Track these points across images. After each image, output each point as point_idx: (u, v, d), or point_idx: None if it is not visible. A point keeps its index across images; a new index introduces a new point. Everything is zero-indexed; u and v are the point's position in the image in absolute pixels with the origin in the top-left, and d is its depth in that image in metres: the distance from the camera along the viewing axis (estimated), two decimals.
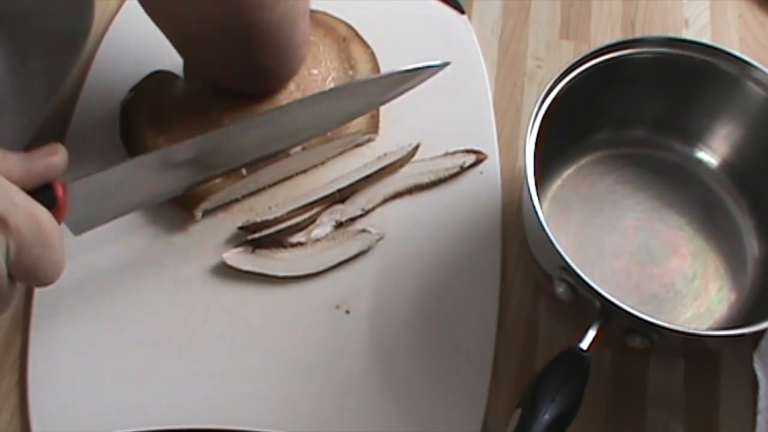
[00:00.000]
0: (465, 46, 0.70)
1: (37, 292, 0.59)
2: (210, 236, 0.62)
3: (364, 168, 0.64)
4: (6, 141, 0.57)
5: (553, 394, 0.49)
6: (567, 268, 0.51)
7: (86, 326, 0.58)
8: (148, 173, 0.55)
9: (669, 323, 0.50)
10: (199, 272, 0.60)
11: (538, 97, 0.57)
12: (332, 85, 0.64)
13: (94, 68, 0.68)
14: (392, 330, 0.59)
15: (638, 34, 0.71)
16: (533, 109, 0.56)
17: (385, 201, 0.63)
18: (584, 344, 0.52)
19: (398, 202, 0.64)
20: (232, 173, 0.60)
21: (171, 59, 0.61)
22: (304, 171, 0.64)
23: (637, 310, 0.50)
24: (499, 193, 0.64)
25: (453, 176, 0.64)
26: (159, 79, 0.66)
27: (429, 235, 0.62)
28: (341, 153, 0.65)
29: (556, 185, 0.63)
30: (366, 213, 0.63)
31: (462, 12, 0.72)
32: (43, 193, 0.48)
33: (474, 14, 0.73)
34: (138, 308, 0.59)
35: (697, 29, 0.73)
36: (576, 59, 0.58)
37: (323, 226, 0.62)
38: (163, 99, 0.64)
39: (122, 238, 0.61)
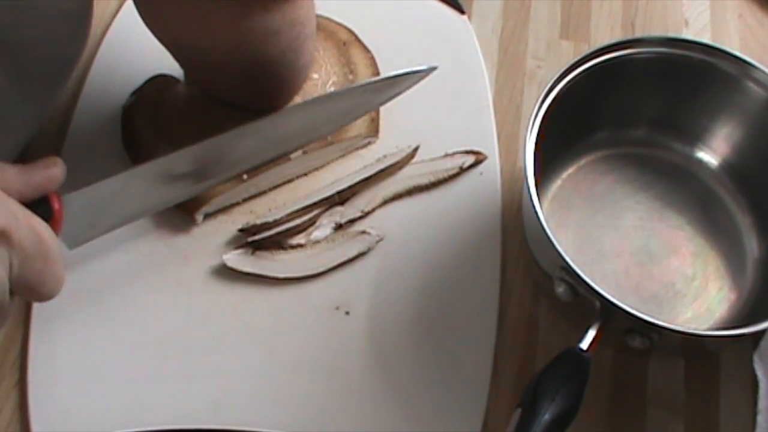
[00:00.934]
0: (465, 47, 0.70)
1: None
2: (210, 238, 0.62)
3: (364, 170, 0.64)
4: None
5: (553, 394, 0.49)
6: (567, 268, 0.51)
7: (86, 327, 0.58)
8: (146, 184, 0.55)
9: (669, 323, 0.50)
10: (200, 274, 0.60)
11: (538, 97, 0.57)
12: (332, 89, 0.64)
13: (93, 71, 0.68)
14: (392, 331, 0.59)
15: (638, 34, 0.71)
16: (533, 109, 0.56)
17: (385, 203, 0.63)
18: (584, 344, 0.52)
19: (398, 203, 0.64)
20: (233, 178, 0.60)
21: (171, 62, 0.61)
22: (305, 174, 0.64)
23: (637, 310, 0.50)
24: (498, 193, 0.64)
25: (452, 177, 0.64)
26: (159, 83, 0.66)
27: (429, 237, 0.62)
28: (341, 156, 0.65)
29: (556, 185, 0.63)
30: (365, 215, 0.63)
31: (462, 12, 0.72)
32: (40, 206, 0.47)
33: (474, 14, 0.73)
34: (138, 309, 0.59)
35: (697, 29, 0.73)
36: (576, 59, 0.58)
37: (323, 228, 0.62)
38: (164, 103, 0.64)
39: (123, 240, 0.61)
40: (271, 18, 0.53)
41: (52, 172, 0.49)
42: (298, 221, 0.61)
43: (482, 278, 0.60)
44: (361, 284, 0.60)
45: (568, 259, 0.51)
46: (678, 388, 0.58)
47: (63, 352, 0.58)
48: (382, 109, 0.65)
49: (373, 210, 0.63)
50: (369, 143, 0.65)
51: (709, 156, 0.64)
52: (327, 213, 0.62)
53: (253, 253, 0.61)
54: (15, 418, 0.56)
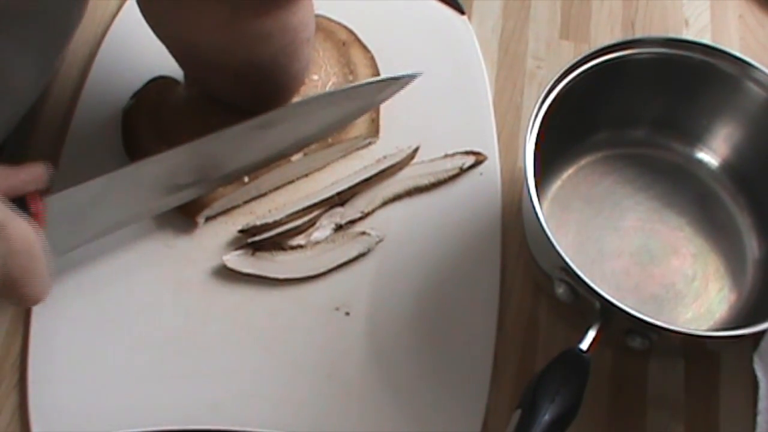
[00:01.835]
0: (465, 47, 0.70)
1: None
2: (211, 239, 0.62)
3: (364, 171, 0.63)
4: None
5: (553, 395, 0.49)
6: (567, 269, 0.51)
7: (86, 327, 0.58)
8: (134, 188, 0.55)
9: (669, 324, 0.50)
10: (200, 274, 0.60)
11: (538, 97, 0.57)
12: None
13: (93, 72, 0.68)
14: (392, 331, 0.59)
15: (638, 35, 0.71)
16: (533, 109, 0.56)
17: (385, 203, 0.63)
18: (584, 345, 0.52)
19: (398, 204, 0.63)
20: (234, 181, 0.60)
21: (171, 64, 0.60)
22: (305, 175, 0.64)
23: (637, 311, 0.50)
24: (498, 194, 0.64)
25: (452, 178, 0.64)
26: (159, 85, 0.65)
27: (429, 237, 0.62)
28: (342, 157, 0.65)
29: (556, 185, 0.63)
30: (365, 215, 0.63)
31: (462, 12, 0.72)
32: (21, 207, 0.47)
33: (474, 14, 0.73)
34: (138, 310, 0.59)
35: (698, 29, 0.73)
36: (576, 59, 0.58)
37: (323, 229, 0.62)
38: (163, 105, 0.64)
39: (124, 241, 0.61)
40: (262, 22, 0.53)
41: (36, 172, 0.48)
42: (298, 222, 0.61)
43: (482, 279, 0.60)
44: (361, 285, 0.60)
45: (568, 259, 0.51)
46: (678, 388, 0.58)
47: (63, 352, 0.58)
48: (382, 109, 0.65)
49: (373, 211, 0.63)
50: (369, 144, 0.65)
51: (709, 156, 0.64)
52: (327, 214, 0.62)
53: (253, 254, 0.61)
54: (15, 419, 0.56)
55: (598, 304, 0.51)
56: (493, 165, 0.65)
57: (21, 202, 0.48)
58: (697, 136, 0.64)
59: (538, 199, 0.54)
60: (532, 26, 0.72)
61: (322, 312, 0.59)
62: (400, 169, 0.64)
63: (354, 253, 0.61)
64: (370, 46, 0.68)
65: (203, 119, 0.62)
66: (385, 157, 0.64)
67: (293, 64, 0.59)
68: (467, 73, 0.69)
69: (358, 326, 0.59)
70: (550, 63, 0.70)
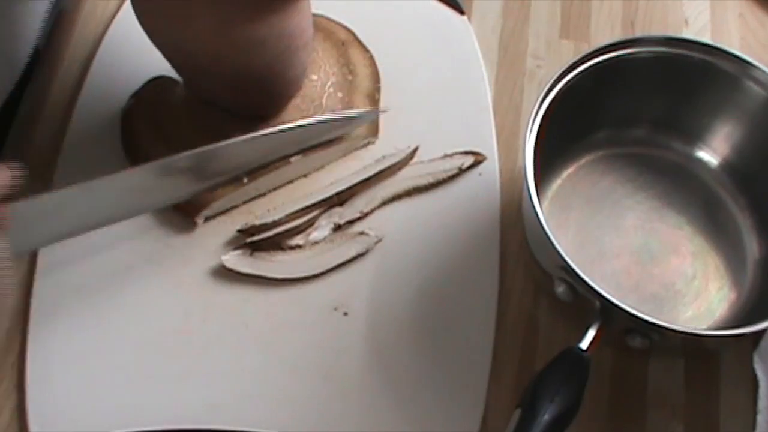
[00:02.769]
0: (464, 47, 0.70)
1: (36, 293, 0.59)
2: (210, 238, 0.62)
3: (363, 171, 0.63)
4: None
5: (553, 395, 0.49)
6: (567, 268, 0.51)
7: (84, 327, 0.58)
8: (105, 195, 0.55)
9: (669, 323, 0.50)
10: (199, 274, 0.60)
11: (538, 97, 0.57)
12: (331, 90, 0.64)
13: (92, 72, 0.67)
14: (390, 331, 0.59)
15: (638, 34, 0.71)
16: (533, 109, 0.56)
17: (384, 204, 0.63)
18: (584, 344, 0.52)
19: (397, 204, 0.63)
20: (233, 181, 0.60)
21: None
22: (304, 175, 0.64)
23: (637, 310, 0.50)
24: (497, 194, 0.63)
25: (451, 178, 0.64)
26: (158, 85, 0.65)
27: (427, 237, 0.62)
28: (341, 157, 0.65)
29: (556, 185, 0.63)
30: (364, 216, 0.62)
31: (462, 13, 0.72)
32: None
33: (474, 14, 0.73)
34: (136, 309, 0.59)
35: (697, 29, 0.73)
36: (576, 59, 0.58)
37: (321, 229, 0.62)
38: (162, 106, 0.64)
39: (122, 240, 0.61)
40: (256, 28, 0.52)
41: (5, 177, 0.46)
42: (296, 222, 0.61)
43: (481, 279, 0.60)
44: (360, 285, 0.60)
45: (568, 259, 0.51)
46: (678, 388, 0.58)
47: (61, 352, 0.58)
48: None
49: (372, 211, 0.63)
50: (368, 144, 0.65)
51: (710, 156, 0.64)
52: (326, 214, 0.62)
53: (251, 254, 0.61)
54: (13, 420, 0.56)
55: (598, 304, 0.51)
56: (492, 165, 0.65)
57: None
58: (697, 135, 0.64)
59: (538, 199, 0.53)
60: (532, 26, 0.72)
61: (320, 312, 0.59)
62: (399, 169, 0.64)
63: (352, 253, 0.61)
64: (369, 46, 0.68)
65: (202, 119, 0.62)
66: (384, 157, 0.64)
67: (289, 71, 0.58)
68: (467, 74, 0.69)
69: (356, 326, 0.59)
70: (550, 62, 0.70)
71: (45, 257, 0.60)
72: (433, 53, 0.69)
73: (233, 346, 0.58)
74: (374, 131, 0.65)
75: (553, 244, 0.52)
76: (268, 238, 0.61)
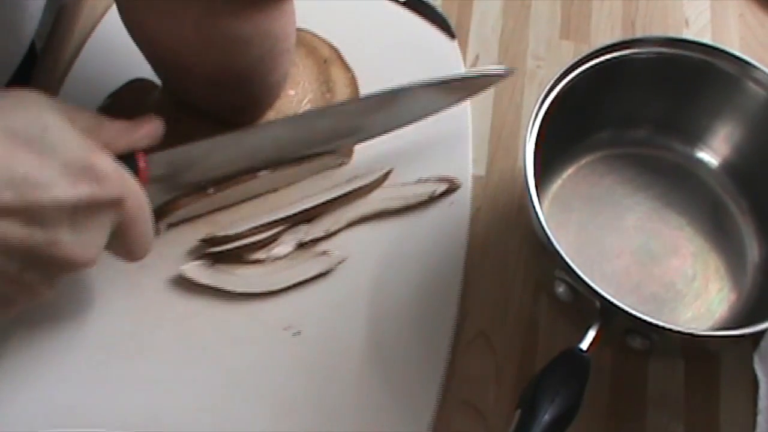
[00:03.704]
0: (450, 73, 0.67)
1: None
2: (172, 246, 0.60)
3: (333, 189, 0.62)
4: None
5: (553, 395, 0.49)
6: (567, 269, 0.51)
7: (27, 322, 0.57)
8: None
9: (669, 323, 0.50)
10: (156, 282, 0.59)
11: (538, 97, 0.57)
12: (308, 107, 0.63)
13: (73, 71, 0.67)
14: (340, 356, 0.57)
15: (638, 34, 0.71)
16: (533, 109, 0.56)
17: (351, 224, 0.61)
18: (584, 344, 0.52)
19: (364, 226, 0.62)
20: (198, 191, 0.59)
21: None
22: (274, 190, 0.63)
23: (637, 311, 0.50)
24: (466, 227, 0.62)
25: (422, 204, 0.62)
26: (137, 87, 0.64)
27: (390, 264, 0.60)
28: (312, 175, 0.63)
29: (556, 185, 0.63)
30: (330, 235, 0.61)
31: (453, 37, 0.70)
32: (127, 163, 0.49)
33: (474, 14, 0.73)
34: (85, 309, 0.58)
35: (698, 29, 0.73)
36: (576, 59, 0.58)
37: (285, 245, 0.60)
38: (139, 108, 0.62)
39: None
40: (240, 25, 0.51)
41: (151, 129, 0.50)
42: (260, 236, 0.59)
43: (437, 313, 0.59)
44: (316, 306, 0.59)
45: (568, 259, 0.51)
46: (678, 388, 0.58)
47: (15, 348, 0.56)
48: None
49: (338, 231, 0.61)
50: (341, 164, 0.64)
51: (710, 156, 0.64)
52: (291, 230, 0.61)
53: (212, 264, 0.59)
54: None
55: (598, 304, 0.51)
56: (465, 196, 0.63)
57: (126, 157, 0.50)
58: (697, 136, 0.64)
59: (538, 199, 0.54)
60: (532, 26, 0.72)
61: (270, 330, 0.58)
62: (371, 191, 0.62)
63: (313, 272, 0.59)
64: (353, 65, 0.66)
65: (175, 124, 0.58)
66: (356, 177, 0.62)
67: (271, 75, 0.58)
68: None
69: (305, 348, 0.57)
70: (550, 63, 0.70)
71: None
72: (419, 77, 0.64)
73: (178, 356, 0.57)
74: (348, 152, 0.64)
75: (553, 245, 0.52)
76: (230, 250, 0.59)
